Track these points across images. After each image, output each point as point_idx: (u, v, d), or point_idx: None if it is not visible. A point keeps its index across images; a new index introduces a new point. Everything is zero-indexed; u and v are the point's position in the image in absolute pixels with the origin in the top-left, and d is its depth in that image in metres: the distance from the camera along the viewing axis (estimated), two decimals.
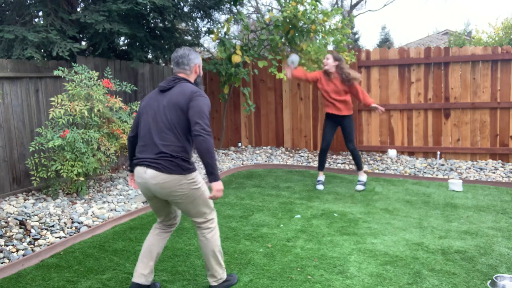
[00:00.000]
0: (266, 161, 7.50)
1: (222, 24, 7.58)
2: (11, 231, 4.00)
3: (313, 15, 6.82)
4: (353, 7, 25.28)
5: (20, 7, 6.04)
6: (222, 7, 7.72)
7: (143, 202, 5.13)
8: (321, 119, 8.13)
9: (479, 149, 7.33)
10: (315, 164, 7.34)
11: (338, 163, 7.32)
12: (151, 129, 2.73)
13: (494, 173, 6.60)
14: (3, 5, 6.10)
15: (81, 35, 6.64)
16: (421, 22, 66.13)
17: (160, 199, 2.81)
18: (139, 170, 2.73)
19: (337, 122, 5.76)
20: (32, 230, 4.05)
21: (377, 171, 6.87)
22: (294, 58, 5.63)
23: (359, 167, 5.83)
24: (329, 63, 5.61)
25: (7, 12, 6.16)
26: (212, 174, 2.64)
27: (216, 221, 2.95)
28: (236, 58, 7.03)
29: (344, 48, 7.17)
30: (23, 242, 3.85)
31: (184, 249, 3.72)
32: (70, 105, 5.04)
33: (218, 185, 2.67)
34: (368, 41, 60.32)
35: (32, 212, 4.54)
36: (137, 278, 2.85)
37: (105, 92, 5.42)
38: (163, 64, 8.66)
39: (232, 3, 7.67)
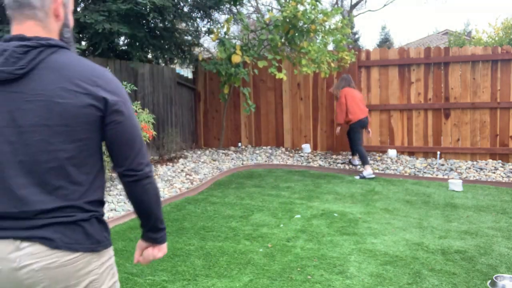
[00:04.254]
0: (266, 161, 7.50)
1: (222, 24, 7.58)
2: None
3: (313, 15, 6.82)
4: (353, 7, 25.28)
5: None
6: (222, 7, 7.72)
7: None
8: (321, 119, 8.13)
9: (479, 149, 7.33)
10: (315, 164, 7.34)
11: (338, 163, 7.32)
12: (18, 172, 1.28)
13: (494, 173, 6.60)
14: (3, 5, 6.10)
15: (81, 35, 6.64)
16: (421, 22, 66.12)
17: None
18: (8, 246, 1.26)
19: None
20: None
21: (377, 171, 6.87)
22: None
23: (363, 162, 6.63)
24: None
25: (7, 12, 6.16)
26: (162, 230, 1.55)
27: None
28: (236, 58, 7.03)
29: (344, 48, 7.17)
30: None
31: (184, 249, 3.72)
32: None
33: (165, 247, 1.60)
34: (368, 41, 60.35)
35: None
36: None
37: None
38: (163, 64, 8.66)
39: (232, 3, 7.67)
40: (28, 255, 1.26)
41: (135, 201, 1.45)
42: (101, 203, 1.42)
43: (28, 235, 1.27)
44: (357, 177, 6.47)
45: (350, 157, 7.38)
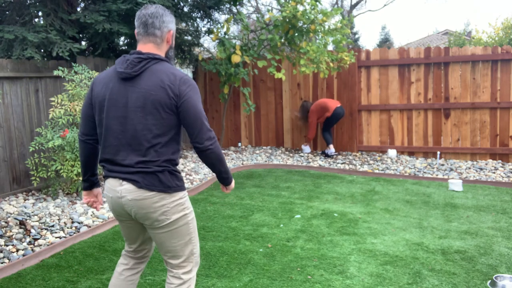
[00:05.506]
0: (266, 161, 7.50)
1: (222, 24, 7.58)
2: (11, 231, 4.00)
3: (313, 15, 6.82)
4: (353, 7, 25.28)
5: (20, 7, 6.04)
6: (222, 7, 7.72)
7: None
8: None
9: (479, 149, 7.33)
10: (315, 164, 7.34)
11: (338, 163, 7.32)
12: (124, 135, 2.03)
13: (494, 173, 6.60)
14: (3, 5, 6.10)
15: (81, 35, 6.64)
16: (421, 22, 66.13)
17: (136, 223, 2.18)
18: (112, 183, 2.08)
19: None
20: (32, 230, 4.05)
21: (377, 171, 6.87)
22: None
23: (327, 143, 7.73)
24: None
25: (7, 12, 6.16)
26: (227, 179, 2.23)
27: (194, 280, 2.24)
28: (236, 58, 7.03)
29: (344, 48, 7.18)
30: (23, 242, 3.85)
31: None
32: (70, 105, 5.04)
33: (233, 184, 2.32)
34: (368, 41, 60.32)
35: (32, 212, 4.54)
36: None
37: None
38: None
39: (232, 3, 7.67)
40: (125, 190, 2.04)
41: (204, 162, 2.10)
42: (173, 162, 2.07)
43: (126, 177, 2.03)
44: (326, 152, 7.69)
45: (327, 150, 7.73)
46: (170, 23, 2.11)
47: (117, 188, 2.05)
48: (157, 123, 1.99)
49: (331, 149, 7.70)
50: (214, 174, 6.56)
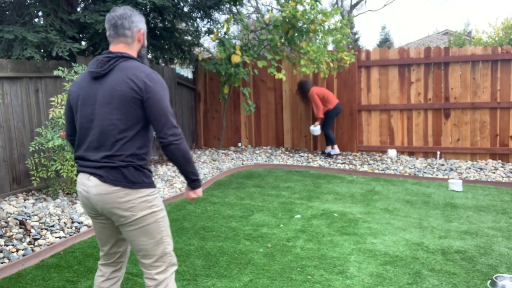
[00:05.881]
0: (266, 161, 7.50)
1: (222, 24, 7.58)
2: (11, 231, 4.00)
3: (313, 15, 6.82)
4: (353, 7, 25.28)
5: (20, 7, 6.04)
6: (222, 7, 7.72)
7: None
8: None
9: (479, 149, 7.33)
10: (315, 164, 7.34)
11: (338, 163, 7.32)
12: (93, 131, 2.08)
13: (494, 173, 6.60)
14: (3, 5, 6.10)
15: (81, 35, 6.64)
16: (421, 22, 66.12)
17: (107, 220, 2.18)
18: (81, 178, 2.12)
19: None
20: (32, 230, 4.05)
21: (377, 171, 6.87)
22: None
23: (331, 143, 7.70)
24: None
25: (7, 12, 6.16)
26: (195, 181, 2.19)
27: (173, 280, 2.21)
28: (236, 58, 7.03)
29: (344, 48, 7.17)
30: (23, 242, 3.85)
31: (184, 249, 3.72)
32: None
33: (200, 190, 2.25)
34: (368, 41, 60.31)
35: (32, 212, 4.54)
36: None
37: None
38: (163, 64, 8.66)
39: (232, 3, 7.67)
40: (91, 184, 2.06)
41: (170, 160, 2.09)
42: (139, 157, 2.07)
43: (92, 171, 2.06)
44: (328, 151, 7.69)
45: (332, 150, 7.69)
46: (139, 23, 2.17)
47: (85, 183, 2.08)
48: (122, 118, 2.02)
49: (336, 149, 7.68)
50: (212, 174, 6.58)
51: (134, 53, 2.17)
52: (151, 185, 2.13)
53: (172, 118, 2.06)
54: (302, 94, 7.77)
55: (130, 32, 2.13)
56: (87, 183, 2.07)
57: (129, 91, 2.01)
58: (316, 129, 7.67)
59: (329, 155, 7.71)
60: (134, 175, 2.06)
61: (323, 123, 7.66)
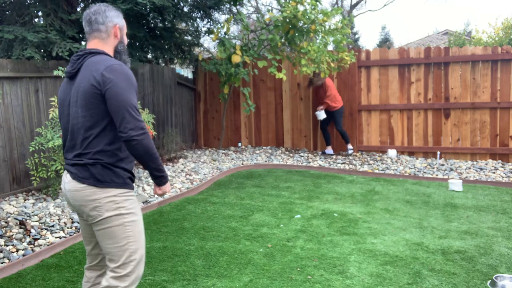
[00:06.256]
0: (266, 161, 7.50)
1: (222, 24, 7.58)
2: (11, 231, 4.00)
3: (313, 15, 6.82)
4: (353, 7, 25.27)
5: (20, 7, 6.04)
6: (222, 7, 7.72)
7: (143, 202, 5.13)
8: None
9: (479, 149, 7.33)
10: (315, 164, 7.34)
11: (338, 163, 7.32)
12: (69, 131, 2.10)
13: (494, 173, 6.60)
14: (3, 5, 6.10)
15: (80, 35, 6.64)
16: (421, 22, 66.13)
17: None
18: (63, 176, 2.17)
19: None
20: (32, 230, 4.05)
21: (377, 171, 6.87)
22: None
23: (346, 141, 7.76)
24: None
25: (7, 12, 6.16)
26: (160, 177, 2.08)
27: None
28: (236, 58, 7.03)
29: (344, 48, 7.17)
30: (23, 242, 3.85)
31: (184, 249, 3.72)
32: None
33: (167, 186, 2.15)
34: (368, 41, 60.32)
35: (32, 212, 4.54)
36: None
37: None
38: (163, 64, 8.66)
39: (232, 3, 7.67)
40: (66, 180, 2.08)
41: (132, 156, 2.01)
42: (108, 153, 2.00)
43: (67, 168, 2.08)
44: (350, 151, 7.74)
45: (327, 150, 7.81)
46: (115, 18, 2.13)
47: (63, 179, 2.14)
48: (86, 115, 1.99)
49: (330, 150, 7.88)
50: (212, 174, 6.58)
51: (109, 49, 2.13)
52: (123, 185, 2.04)
53: (133, 111, 1.94)
54: (313, 85, 7.73)
55: (104, 27, 2.09)
56: (64, 180, 2.11)
57: (90, 87, 1.96)
58: (321, 113, 7.59)
59: (347, 154, 7.80)
60: (101, 173, 2.00)
61: (335, 122, 7.65)
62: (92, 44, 2.10)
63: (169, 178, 6.21)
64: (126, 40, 2.21)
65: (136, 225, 2.07)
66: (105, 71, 1.95)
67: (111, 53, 2.13)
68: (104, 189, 2.00)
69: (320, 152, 8.03)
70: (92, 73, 1.97)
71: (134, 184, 2.18)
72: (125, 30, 2.21)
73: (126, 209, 2.04)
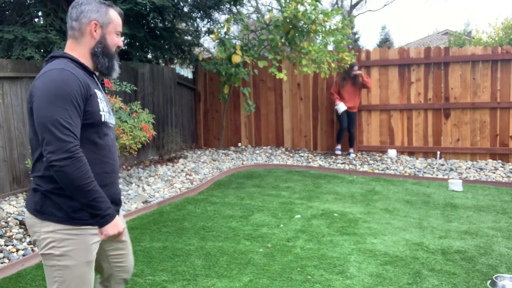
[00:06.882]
0: (266, 161, 7.50)
1: (222, 24, 7.58)
2: (11, 231, 4.00)
3: (313, 15, 6.82)
4: (353, 7, 25.28)
5: (20, 7, 6.04)
6: (222, 7, 7.72)
7: (143, 202, 5.13)
8: (321, 119, 8.13)
9: (479, 149, 7.33)
10: (315, 164, 7.34)
11: (338, 163, 7.32)
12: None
13: (494, 173, 6.60)
14: (3, 5, 6.10)
15: None
16: (421, 22, 66.13)
17: None
18: None
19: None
20: None
21: (377, 171, 6.87)
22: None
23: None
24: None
25: (7, 12, 6.16)
26: (95, 217, 1.61)
27: None
28: (236, 58, 7.03)
29: (344, 48, 7.17)
30: (23, 242, 3.85)
31: (184, 249, 3.72)
32: None
33: (111, 228, 1.63)
34: (368, 41, 60.33)
35: None
36: None
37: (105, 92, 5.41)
38: (163, 64, 8.66)
39: (232, 3, 7.67)
40: None
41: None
42: (46, 180, 1.63)
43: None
44: (352, 155, 7.68)
45: (350, 157, 7.60)
46: (91, 12, 1.70)
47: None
48: (31, 133, 1.68)
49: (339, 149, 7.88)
50: (212, 174, 6.59)
51: (82, 51, 1.73)
52: (64, 220, 1.64)
53: (57, 128, 1.53)
54: (350, 76, 7.40)
55: (78, 24, 1.70)
56: None
57: (28, 101, 1.66)
58: (340, 105, 7.41)
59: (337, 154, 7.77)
60: (40, 203, 1.66)
61: (349, 124, 7.52)
62: (66, 45, 1.75)
63: (169, 178, 6.21)
64: (115, 40, 1.78)
65: (70, 272, 1.65)
66: (37, 81, 1.62)
67: (84, 56, 1.74)
68: (42, 222, 1.66)
69: (346, 152, 7.88)
70: (33, 83, 1.65)
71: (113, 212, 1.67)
72: (112, 28, 1.77)
73: (61, 250, 1.64)
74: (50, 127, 1.53)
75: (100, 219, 1.61)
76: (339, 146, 7.77)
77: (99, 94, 1.73)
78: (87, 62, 1.75)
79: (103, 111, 1.72)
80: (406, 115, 7.69)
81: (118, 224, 1.65)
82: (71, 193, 1.58)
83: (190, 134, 8.87)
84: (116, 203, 1.82)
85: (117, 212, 1.81)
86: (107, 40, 1.75)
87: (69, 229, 1.65)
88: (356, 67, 7.35)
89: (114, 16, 1.78)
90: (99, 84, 1.83)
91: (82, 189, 1.55)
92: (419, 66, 7.57)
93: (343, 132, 7.60)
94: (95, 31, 1.73)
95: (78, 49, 1.73)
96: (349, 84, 7.44)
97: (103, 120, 1.70)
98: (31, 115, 1.62)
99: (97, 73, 1.82)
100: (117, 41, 1.79)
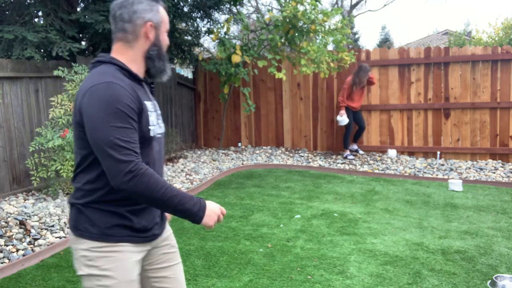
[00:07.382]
0: (266, 161, 7.50)
1: (222, 24, 7.58)
2: (11, 231, 4.00)
3: (313, 15, 6.82)
4: (353, 7, 25.28)
5: (20, 7, 6.04)
6: (222, 7, 7.72)
7: None
8: (321, 119, 8.13)
9: (479, 149, 7.33)
10: (315, 164, 7.34)
11: (338, 163, 7.32)
12: None
13: (494, 173, 6.60)
14: (3, 5, 6.10)
15: (81, 35, 6.64)
16: (421, 22, 66.14)
17: None
18: None
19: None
20: (32, 230, 4.05)
21: (377, 171, 6.87)
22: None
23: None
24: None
25: (7, 12, 6.16)
26: (190, 217, 1.54)
27: None
28: (236, 58, 7.03)
29: (344, 48, 7.17)
30: (23, 242, 3.85)
31: (184, 249, 3.72)
32: (70, 105, 5.04)
33: (208, 219, 1.58)
34: (368, 41, 60.34)
35: (32, 212, 4.54)
36: None
37: None
38: None
39: (232, 3, 7.67)
40: None
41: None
42: (87, 193, 1.53)
43: None
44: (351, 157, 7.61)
45: (349, 152, 7.64)
46: (145, 12, 1.57)
47: None
48: (75, 147, 1.57)
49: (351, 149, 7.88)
50: (212, 174, 6.59)
51: (135, 55, 1.58)
52: (99, 237, 1.52)
53: (113, 149, 1.42)
54: (361, 78, 7.15)
55: (132, 26, 1.55)
56: None
57: (74, 113, 1.54)
58: (343, 119, 7.29)
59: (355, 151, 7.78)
60: (76, 218, 1.56)
61: (360, 122, 7.55)
62: (114, 48, 1.60)
63: (169, 178, 6.21)
64: (166, 41, 1.65)
65: None
66: (85, 96, 1.48)
67: (135, 61, 1.59)
68: (77, 239, 1.55)
69: (354, 149, 7.88)
70: (79, 95, 1.52)
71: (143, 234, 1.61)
72: (164, 27, 1.63)
73: (99, 269, 1.51)
74: (107, 150, 1.43)
75: (194, 219, 1.53)
76: (354, 146, 7.72)
77: (149, 105, 1.58)
78: (139, 66, 1.60)
79: (152, 125, 1.58)
80: (406, 115, 7.69)
81: (213, 210, 1.58)
82: (157, 208, 1.51)
83: (190, 134, 8.87)
84: (159, 223, 1.68)
85: (161, 233, 1.69)
86: (161, 42, 1.62)
87: (104, 247, 1.52)
88: (370, 72, 7.23)
89: (164, 13, 1.64)
90: (148, 91, 1.67)
91: (160, 202, 1.46)
92: (419, 66, 7.57)
93: (349, 134, 7.55)
94: (150, 32, 1.58)
95: (130, 53, 1.58)
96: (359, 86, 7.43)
97: (151, 135, 1.58)
98: (76, 128, 1.52)
99: (147, 79, 1.67)
100: (167, 40, 1.67)
